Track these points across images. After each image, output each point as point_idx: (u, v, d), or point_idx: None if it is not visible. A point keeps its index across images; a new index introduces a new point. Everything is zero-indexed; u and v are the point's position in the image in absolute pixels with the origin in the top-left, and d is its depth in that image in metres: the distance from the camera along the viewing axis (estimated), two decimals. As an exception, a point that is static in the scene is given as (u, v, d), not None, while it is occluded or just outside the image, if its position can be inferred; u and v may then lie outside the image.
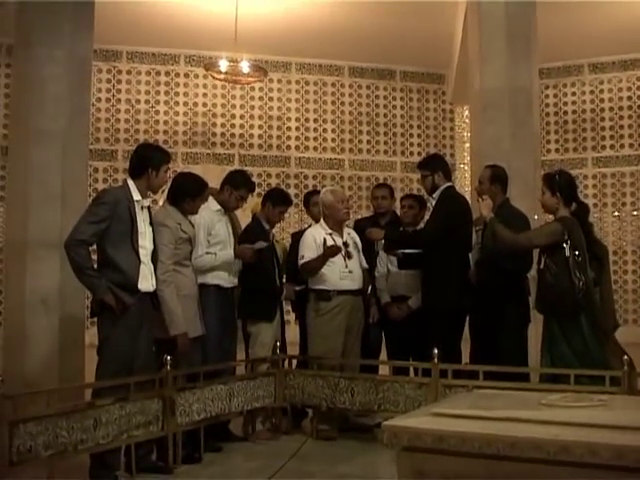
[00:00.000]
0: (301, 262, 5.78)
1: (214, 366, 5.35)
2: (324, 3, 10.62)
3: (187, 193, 5.16)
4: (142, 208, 4.69)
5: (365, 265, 6.01)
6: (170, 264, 4.94)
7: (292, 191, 12.23)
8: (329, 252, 5.65)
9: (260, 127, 12.67)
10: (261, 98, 12.65)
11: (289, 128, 12.75)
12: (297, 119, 12.75)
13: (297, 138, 12.73)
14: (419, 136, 13.12)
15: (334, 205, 5.89)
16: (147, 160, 4.73)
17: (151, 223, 4.78)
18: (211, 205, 5.60)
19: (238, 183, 5.64)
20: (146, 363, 4.75)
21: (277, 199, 6.05)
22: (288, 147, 12.70)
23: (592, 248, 5.05)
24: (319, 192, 6.38)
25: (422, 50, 12.20)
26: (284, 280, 6.11)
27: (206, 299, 5.34)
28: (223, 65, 9.99)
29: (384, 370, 6.30)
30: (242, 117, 12.62)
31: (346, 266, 5.80)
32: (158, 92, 12.28)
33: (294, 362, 6.04)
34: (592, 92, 12.50)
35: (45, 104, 6.48)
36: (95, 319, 4.68)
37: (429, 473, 2.44)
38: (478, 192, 5.55)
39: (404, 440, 2.48)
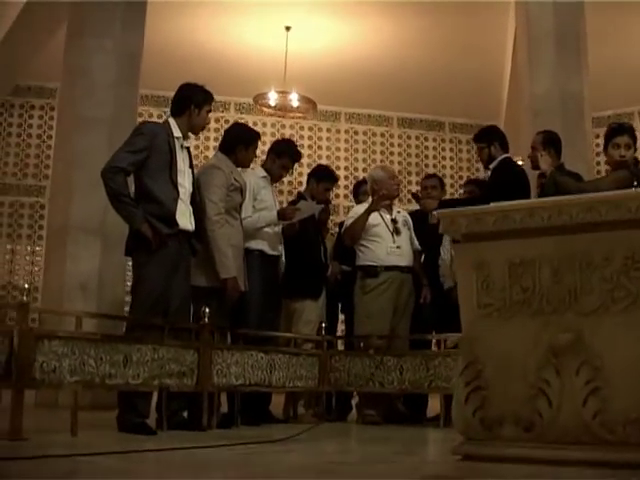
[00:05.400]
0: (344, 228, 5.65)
1: (257, 332, 5.03)
2: (372, 54, 10.72)
3: (240, 140, 4.99)
4: (182, 147, 4.52)
5: (417, 245, 5.75)
6: (222, 207, 4.70)
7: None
8: (373, 206, 5.50)
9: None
10: (310, 146, 12.61)
11: (338, 177, 12.64)
12: (346, 168, 12.67)
13: (346, 187, 12.59)
14: (469, 188, 12.90)
15: (385, 180, 5.68)
16: (190, 98, 4.57)
17: (191, 166, 4.60)
18: (257, 171, 5.44)
19: (281, 151, 5.47)
20: (182, 308, 4.48)
21: (321, 175, 5.89)
22: (337, 196, 12.56)
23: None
24: (367, 182, 6.19)
25: (471, 102, 12.16)
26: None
27: (249, 265, 5.07)
28: (272, 98, 9.99)
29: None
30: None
31: (394, 241, 5.55)
32: (208, 138, 12.32)
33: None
34: (645, 139, 12.22)
35: (93, 92, 6.48)
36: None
37: (491, 262, 2.13)
38: (531, 159, 5.28)
39: (462, 227, 2.19)
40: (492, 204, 2.23)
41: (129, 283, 4.97)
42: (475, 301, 2.18)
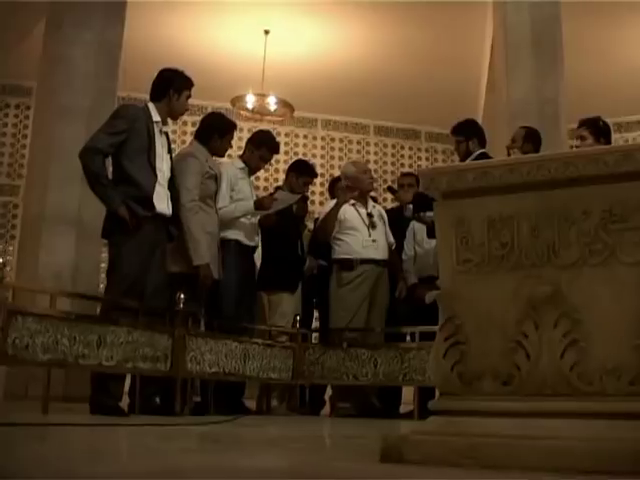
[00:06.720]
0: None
1: (232, 322, 5.01)
2: (350, 62, 10.76)
3: (215, 130, 5.00)
4: (161, 132, 4.51)
5: (392, 239, 5.76)
6: (196, 194, 4.70)
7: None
8: (341, 200, 5.61)
9: (285, 181, 12.59)
10: (286, 152, 12.59)
11: (314, 184, 12.65)
12: (322, 174, 12.65)
13: (321, 194, 12.60)
14: (444, 198, 12.95)
15: (357, 176, 5.70)
16: (169, 82, 4.57)
17: (169, 151, 4.59)
18: (235, 163, 5.44)
19: (260, 142, 5.47)
20: (157, 293, 4.43)
21: (301, 169, 5.87)
22: (312, 202, 12.56)
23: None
24: (344, 179, 6.20)
25: (447, 112, 12.14)
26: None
27: (226, 254, 5.05)
28: (250, 100, 9.98)
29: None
30: (267, 171, 12.55)
31: (369, 235, 5.55)
32: (184, 142, 12.28)
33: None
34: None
35: (72, 82, 6.44)
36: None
37: (471, 218, 2.15)
38: (508, 149, 5.32)
39: (443, 184, 2.20)
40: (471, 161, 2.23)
41: (104, 275, 4.91)
42: (454, 257, 2.18)
